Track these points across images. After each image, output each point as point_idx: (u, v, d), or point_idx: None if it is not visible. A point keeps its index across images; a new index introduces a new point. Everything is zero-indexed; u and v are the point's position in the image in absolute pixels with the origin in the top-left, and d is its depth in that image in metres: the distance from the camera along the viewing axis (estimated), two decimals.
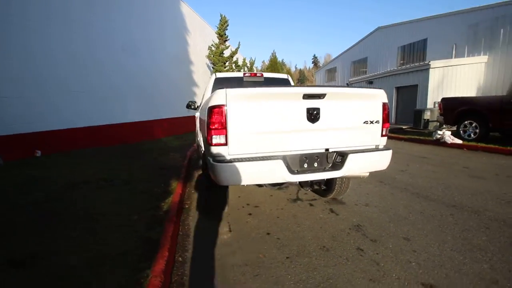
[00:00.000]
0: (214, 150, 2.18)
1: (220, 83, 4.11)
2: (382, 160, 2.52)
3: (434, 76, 12.08)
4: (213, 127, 2.15)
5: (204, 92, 4.45)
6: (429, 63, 11.90)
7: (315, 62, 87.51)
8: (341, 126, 2.40)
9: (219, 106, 2.11)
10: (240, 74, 4.23)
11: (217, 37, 15.39)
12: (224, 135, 2.14)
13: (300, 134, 2.31)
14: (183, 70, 13.39)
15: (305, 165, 2.38)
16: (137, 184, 4.29)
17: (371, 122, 2.49)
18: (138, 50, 9.84)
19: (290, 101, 2.24)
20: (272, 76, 4.40)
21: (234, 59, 16.55)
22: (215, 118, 2.13)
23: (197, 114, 4.80)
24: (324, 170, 2.38)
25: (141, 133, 9.80)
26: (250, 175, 2.14)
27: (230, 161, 2.14)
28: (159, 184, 4.32)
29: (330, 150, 2.43)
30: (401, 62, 17.64)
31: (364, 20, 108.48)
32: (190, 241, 2.54)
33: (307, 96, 2.23)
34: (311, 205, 3.40)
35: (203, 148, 3.79)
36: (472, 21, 12.82)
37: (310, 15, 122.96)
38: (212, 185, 2.74)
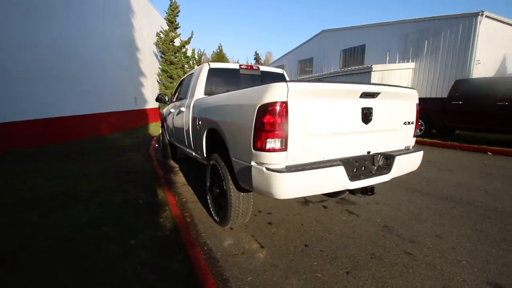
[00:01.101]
0: (268, 157, 1.80)
1: (214, 75, 3.59)
2: (417, 161, 2.53)
3: (375, 78, 13.51)
4: (269, 128, 1.75)
5: (190, 85, 3.83)
6: (371, 66, 13.25)
7: (257, 58, 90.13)
8: (388, 127, 2.30)
9: (278, 104, 1.73)
10: (235, 66, 3.78)
11: (167, 23, 13.99)
12: (283, 139, 1.77)
13: (353, 136, 2.10)
14: (127, 58, 11.72)
15: (355, 170, 2.19)
16: (109, 196, 3.45)
17: (408, 123, 2.46)
18: (70, 31, 8.09)
19: (348, 99, 2.00)
20: (267, 70, 4.07)
21: (183, 50, 15.36)
22: (271, 118, 1.74)
23: (177, 109, 4.15)
24: (373, 174, 2.24)
25: (82, 130, 8.18)
26: (313, 184, 1.84)
27: (290, 169, 1.79)
28: (137, 194, 3.58)
29: (375, 152, 2.31)
30: (343, 64, 19.27)
31: (304, 20, 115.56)
32: (223, 266, 2.09)
33: (364, 95, 2.04)
34: (324, 207, 3.27)
35: (194, 150, 3.26)
36: (403, 31, 14.78)
37: (252, 11, 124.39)
38: (226, 193, 2.33)
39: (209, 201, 2.94)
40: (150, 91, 13.46)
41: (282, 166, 1.82)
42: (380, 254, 2.23)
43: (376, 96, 2.12)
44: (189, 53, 18.19)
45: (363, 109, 2.07)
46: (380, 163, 2.34)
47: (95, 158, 5.80)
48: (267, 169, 1.79)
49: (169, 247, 2.25)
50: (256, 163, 1.88)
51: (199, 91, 3.50)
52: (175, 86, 5.50)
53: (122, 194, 3.55)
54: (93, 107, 8.75)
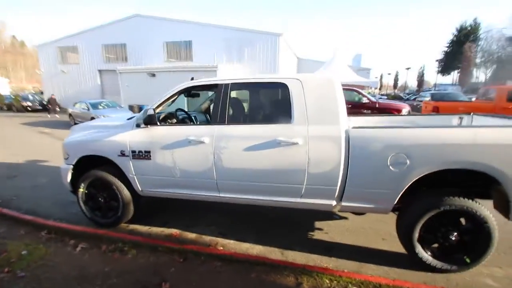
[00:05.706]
0: None
1: None
2: None
3: (220, 76, 14.51)
4: None
5: (293, 102, 2.58)
6: (217, 65, 14.03)
7: None
8: None
9: None
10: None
11: None
12: None
13: None
14: None
15: None
16: None
17: None
18: None
19: None
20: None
21: None
22: None
23: (248, 140, 2.67)
24: None
25: None
26: None
27: None
28: None
29: None
30: (168, 57, 18.28)
31: None
32: None
33: None
34: None
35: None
36: (227, 35, 16.72)
37: None
38: None
39: None
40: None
41: None
42: None
43: None
44: None
45: None
46: None
47: None
48: None
49: None
50: None
51: (342, 116, 2.57)
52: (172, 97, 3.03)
53: None
54: None
